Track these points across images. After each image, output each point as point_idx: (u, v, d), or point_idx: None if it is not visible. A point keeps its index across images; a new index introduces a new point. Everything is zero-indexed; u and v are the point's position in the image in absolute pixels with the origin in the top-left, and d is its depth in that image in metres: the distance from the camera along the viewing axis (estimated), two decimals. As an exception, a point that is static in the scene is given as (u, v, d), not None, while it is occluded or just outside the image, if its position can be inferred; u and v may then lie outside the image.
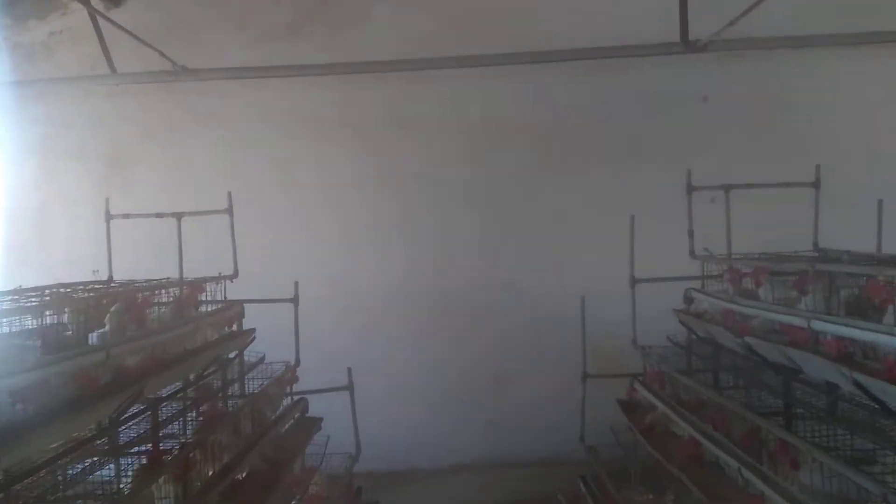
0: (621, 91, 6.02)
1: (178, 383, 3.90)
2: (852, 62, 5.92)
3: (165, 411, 3.67)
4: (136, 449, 3.19)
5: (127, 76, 5.66)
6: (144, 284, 4.09)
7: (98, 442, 2.88)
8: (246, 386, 4.68)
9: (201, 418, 3.64)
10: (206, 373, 4.17)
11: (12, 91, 5.90)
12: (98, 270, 4.56)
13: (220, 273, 4.57)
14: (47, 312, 2.98)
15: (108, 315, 3.38)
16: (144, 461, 2.95)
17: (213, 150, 6.04)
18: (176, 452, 3.11)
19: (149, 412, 3.35)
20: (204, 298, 4.53)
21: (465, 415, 6.05)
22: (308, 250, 5.89)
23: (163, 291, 4.03)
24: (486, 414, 6.05)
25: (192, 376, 3.95)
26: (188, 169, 6.03)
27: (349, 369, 5.06)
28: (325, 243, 5.96)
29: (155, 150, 6.13)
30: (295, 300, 4.93)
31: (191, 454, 3.16)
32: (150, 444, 3.22)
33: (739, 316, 3.93)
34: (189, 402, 3.89)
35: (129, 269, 4.80)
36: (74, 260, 5.56)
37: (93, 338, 3.29)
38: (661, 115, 6.03)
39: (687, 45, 5.45)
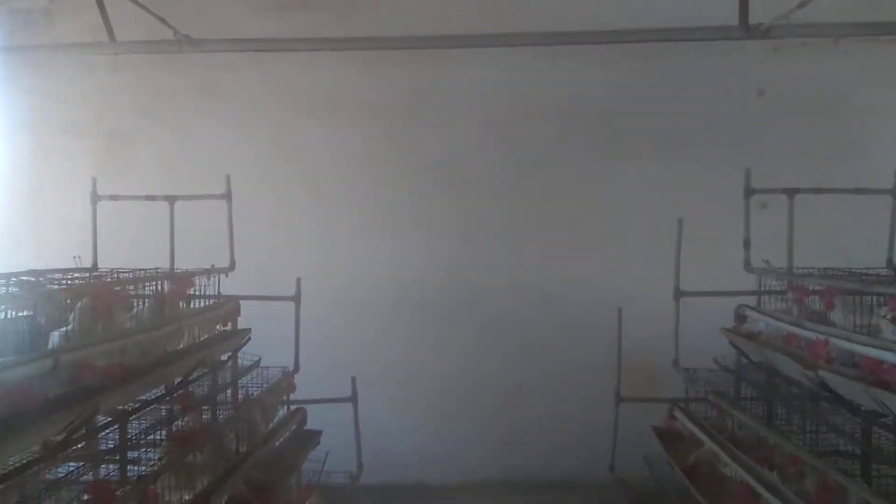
0: (666, 80, 5.43)
1: (160, 389, 3.44)
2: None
3: (140, 424, 3.22)
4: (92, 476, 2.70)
5: (126, 45, 5.18)
6: (127, 276, 3.62)
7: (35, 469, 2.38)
8: (238, 393, 4.21)
9: (174, 438, 3.14)
10: (191, 378, 3.70)
11: (4, 58, 5.46)
12: (79, 257, 4.09)
13: (212, 265, 4.09)
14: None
15: (74, 312, 2.91)
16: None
17: (217, 129, 5.55)
18: (131, 486, 2.60)
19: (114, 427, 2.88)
20: (195, 293, 4.09)
21: (479, 429, 5.52)
22: (314, 244, 5.38)
23: (147, 284, 3.57)
24: (502, 430, 5.52)
25: (176, 381, 3.48)
26: (190, 149, 5.56)
27: (353, 378, 4.56)
28: (333, 237, 5.45)
29: (155, 128, 5.66)
30: (297, 298, 4.44)
31: (150, 486, 2.65)
32: (109, 468, 2.74)
33: (806, 343, 3.36)
34: (167, 414, 3.42)
35: (122, 256, 4.34)
36: (66, 244, 5.13)
37: (54, 338, 2.84)
38: (712, 109, 5.42)
39: (747, 29, 4.83)
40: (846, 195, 4.24)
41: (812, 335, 3.14)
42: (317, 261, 5.26)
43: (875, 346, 2.73)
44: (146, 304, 3.44)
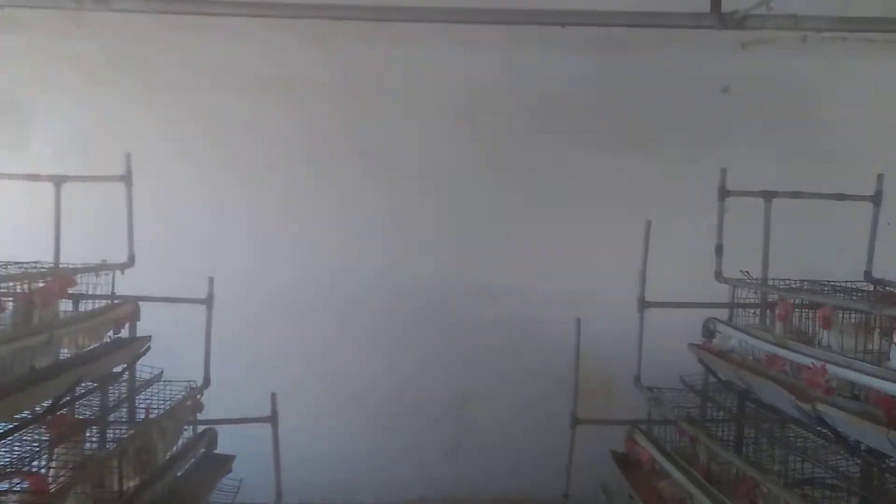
0: (633, 73, 5.01)
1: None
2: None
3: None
4: None
5: (13, -2, 4.42)
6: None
7: None
8: (135, 412, 3.58)
9: (34, 480, 2.49)
10: (75, 395, 3.06)
11: None
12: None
13: (104, 260, 3.44)
14: None
15: None
16: None
17: (129, 104, 4.82)
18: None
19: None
20: (82, 293, 3.44)
21: (421, 444, 5.00)
22: (236, 238, 4.72)
23: (18, 283, 2.90)
24: (446, 444, 5.01)
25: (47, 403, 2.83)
26: (96, 125, 4.82)
27: (273, 395, 3.95)
28: (260, 231, 4.80)
29: (55, 99, 4.90)
30: (209, 301, 3.81)
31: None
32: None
33: (791, 367, 2.96)
34: (34, 445, 2.77)
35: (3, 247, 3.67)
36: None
37: None
38: (679, 105, 5.03)
39: (720, 17, 4.45)
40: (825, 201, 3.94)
41: (805, 360, 2.73)
42: (239, 258, 4.64)
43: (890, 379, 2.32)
44: (10, 308, 2.78)
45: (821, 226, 4.66)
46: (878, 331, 2.78)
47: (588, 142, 4.89)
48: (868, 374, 2.44)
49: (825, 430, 2.73)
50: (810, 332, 3.15)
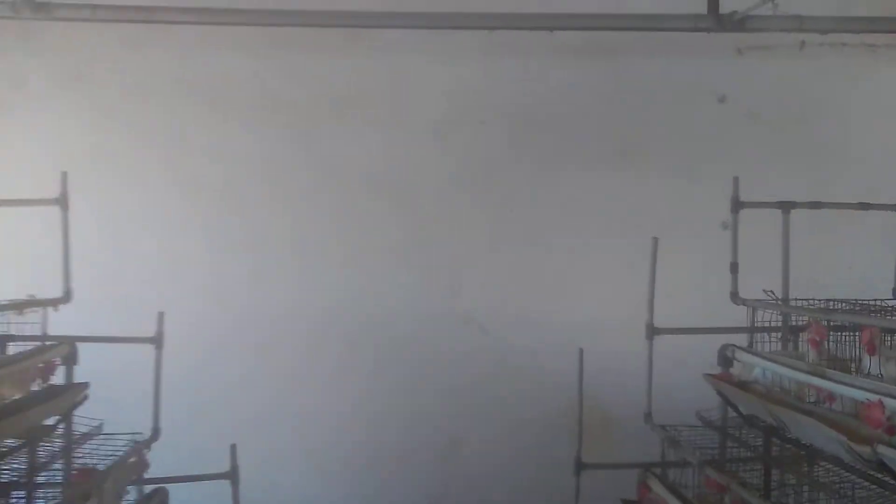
0: (625, 82, 4.67)
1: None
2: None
3: None
4: None
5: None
6: None
7: None
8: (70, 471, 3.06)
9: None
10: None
11: None
12: None
13: (32, 295, 2.96)
14: None
15: None
16: None
17: (71, 122, 4.38)
18: None
19: None
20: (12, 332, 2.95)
21: (402, 493, 4.49)
22: (190, 267, 4.26)
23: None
24: (430, 492, 4.50)
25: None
26: (35, 145, 4.36)
27: (233, 447, 3.45)
28: (216, 259, 4.33)
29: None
30: (158, 340, 3.31)
31: None
32: None
33: (839, 399, 2.56)
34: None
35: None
36: None
37: None
38: (674, 115, 4.71)
39: (718, 19, 4.14)
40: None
41: (852, 391, 2.33)
42: (193, 290, 4.15)
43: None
44: None
45: (827, 239, 4.39)
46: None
47: (583, 156, 4.50)
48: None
49: (882, 475, 2.33)
50: (848, 357, 2.77)
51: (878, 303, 3.20)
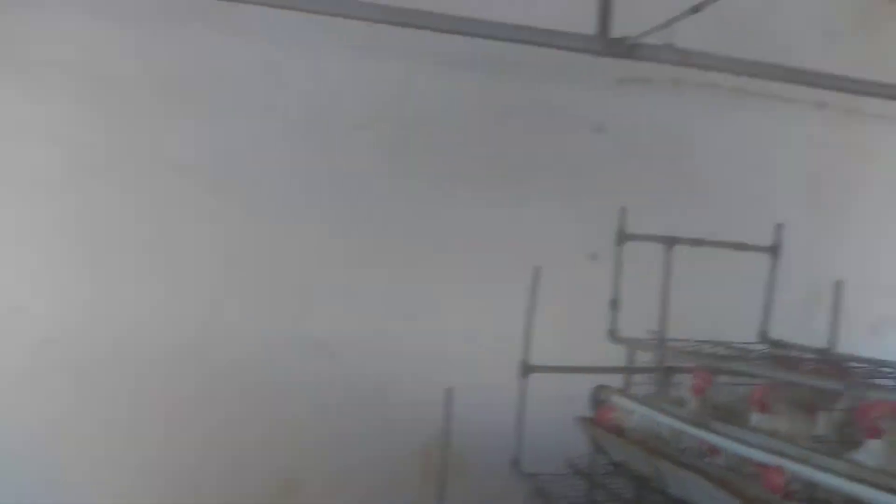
0: (511, 97, 4.41)
1: None
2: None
3: None
4: None
5: None
6: None
7: None
8: None
9: None
10: None
11: None
12: None
13: None
14: None
15: None
16: None
17: None
18: None
19: None
20: None
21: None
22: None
23: None
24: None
25: None
26: None
27: None
28: (21, 264, 3.53)
29: None
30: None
31: None
32: None
33: (728, 457, 2.33)
34: None
35: None
36: None
37: None
38: (552, 142, 4.50)
39: (607, 42, 3.97)
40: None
41: (754, 453, 2.08)
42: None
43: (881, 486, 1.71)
44: None
45: (698, 279, 4.34)
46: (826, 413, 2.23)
47: (462, 175, 4.11)
48: (847, 476, 1.82)
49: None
50: (736, 407, 2.57)
51: (746, 346, 3.10)
